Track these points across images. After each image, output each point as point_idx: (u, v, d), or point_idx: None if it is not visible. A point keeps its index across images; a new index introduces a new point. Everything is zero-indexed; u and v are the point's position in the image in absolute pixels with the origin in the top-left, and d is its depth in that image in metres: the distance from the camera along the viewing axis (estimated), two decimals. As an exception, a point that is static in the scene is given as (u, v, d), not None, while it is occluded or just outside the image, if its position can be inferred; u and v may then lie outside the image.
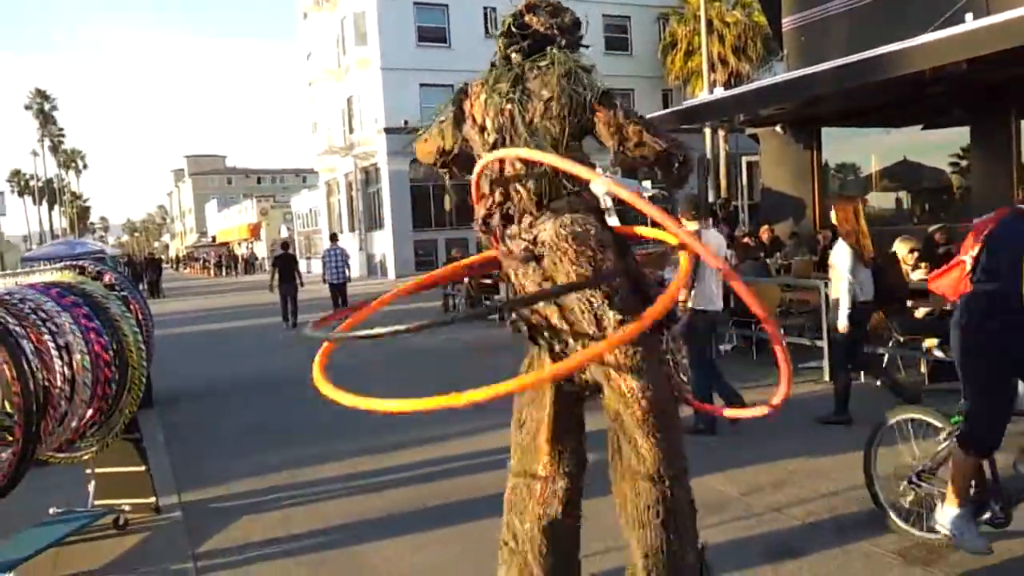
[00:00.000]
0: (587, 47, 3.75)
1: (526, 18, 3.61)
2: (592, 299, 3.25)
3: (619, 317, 3.24)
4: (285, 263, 19.42)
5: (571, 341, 3.35)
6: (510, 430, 3.63)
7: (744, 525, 5.10)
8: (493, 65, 3.69)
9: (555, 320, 3.37)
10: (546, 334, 3.46)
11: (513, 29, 3.61)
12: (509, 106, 3.45)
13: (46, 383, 4.75)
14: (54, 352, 4.86)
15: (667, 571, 3.24)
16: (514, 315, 3.57)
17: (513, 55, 3.61)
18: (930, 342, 8.40)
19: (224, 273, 63.07)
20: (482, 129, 3.55)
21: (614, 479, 3.39)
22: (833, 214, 7.65)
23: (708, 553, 3.58)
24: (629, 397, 3.21)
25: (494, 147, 3.47)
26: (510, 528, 3.53)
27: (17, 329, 4.66)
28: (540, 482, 3.47)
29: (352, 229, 40.46)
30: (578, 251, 3.25)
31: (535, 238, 3.34)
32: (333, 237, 21.35)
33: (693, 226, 7.37)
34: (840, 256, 7.35)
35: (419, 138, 3.84)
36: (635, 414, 3.21)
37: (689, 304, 7.22)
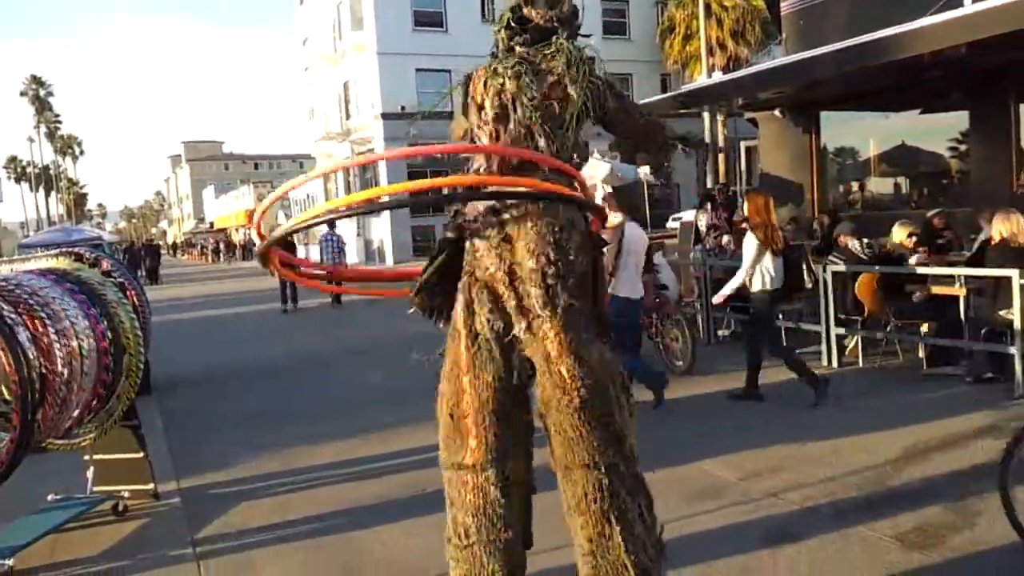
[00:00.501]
0: (588, 36, 3.78)
1: (524, 11, 3.63)
2: (548, 275, 3.23)
3: (571, 302, 3.24)
4: (284, 249, 19.30)
5: (514, 317, 3.28)
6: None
7: (742, 510, 5.11)
8: (494, 56, 3.69)
9: (502, 289, 3.30)
10: (479, 308, 3.33)
11: (512, 24, 3.63)
12: (511, 84, 3.46)
13: (44, 370, 4.74)
14: (52, 338, 4.84)
15: (614, 557, 3.19)
16: (419, 295, 3.53)
17: (517, 48, 3.64)
18: (927, 326, 8.40)
19: (222, 259, 62.97)
20: (480, 108, 3.57)
21: (552, 464, 3.34)
22: (745, 206, 7.86)
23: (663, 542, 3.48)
24: (569, 383, 3.19)
25: (495, 121, 3.48)
26: (454, 523, 3.41)
27: (12, 316, 4.64)
28: (469, 472, 3.33)
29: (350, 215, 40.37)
30: (550, 222, 3.27)
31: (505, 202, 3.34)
32: (330, 224, 21.35)
33: (618, 218, 7.60)
34: (748, 246, 7.76)
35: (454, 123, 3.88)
36: (572, 401, 3.18)
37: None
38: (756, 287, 7.72)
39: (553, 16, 3.63)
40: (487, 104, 3.53)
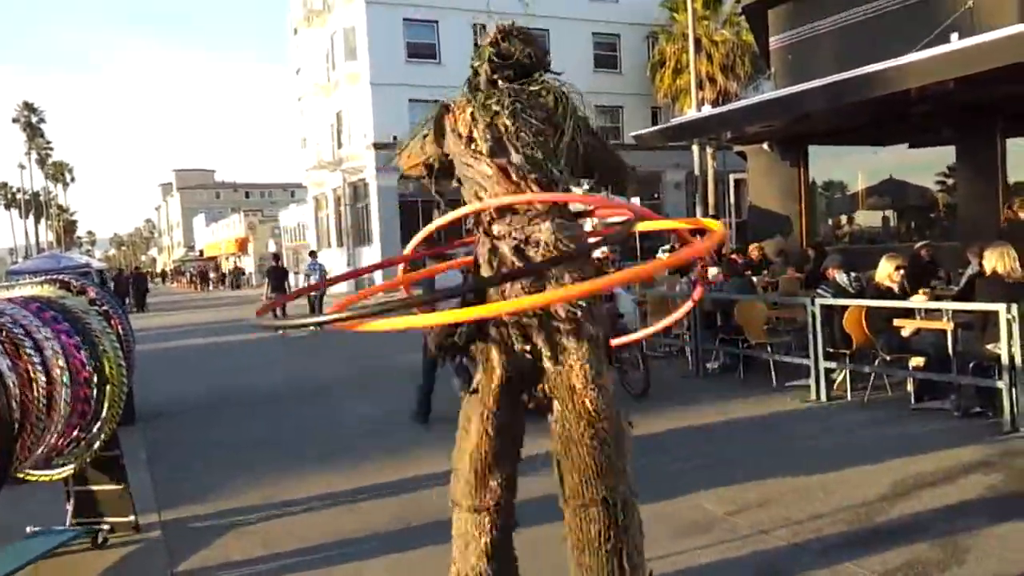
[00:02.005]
0: (559, 74, 3.82)
1: (503, 46, 3.68)
2: (579, 306, 3.28)
3: (596, 331, 3.33)
4: (277, 274, 21.94)
5: (544, 349, 3.34)
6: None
7: (730, 546, 5.05)
8: (475, 87, 3.71)
9: (530, 322, 3.34)
10: (516, 343, 3.39)
11: (495, 59, 3.67)
12: (508, 119, 3.49)
13: (23, 399, 4.67)
14: (33, 367, 4.78)
15: None
16: (439, 347, 3.56)
17: (500, 82, 3.67)
18: (916, 361, 8.39)
19: (211, 287, 62.82)
20: (469, 140, 3.57)
21: (563, 503, 3.39)
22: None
23: None
24: (594, 416, 3.24)
25: (491, 155, 3.48)
26: (466, 565, 3.50)
27: (-7, 345, 4.58)
28: (488, 514, 3.45)
29: (340, 244, 40.39)
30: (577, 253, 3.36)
31: (527, 238, 3.36)
32: (312, 254, 25.36)
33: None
34: None
35: (403, 150, 3.95)
36: (598, 434, 3.24)
37: None
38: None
39: (530, 52, 3.69)
40: (477, 136, 3.53)
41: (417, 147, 3.80)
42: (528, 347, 3.36)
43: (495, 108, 3.51)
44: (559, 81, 3.69)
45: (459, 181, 3.66)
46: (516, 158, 3.45)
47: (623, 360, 9.50)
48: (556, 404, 3.35)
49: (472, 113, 3.56)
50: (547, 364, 3.32)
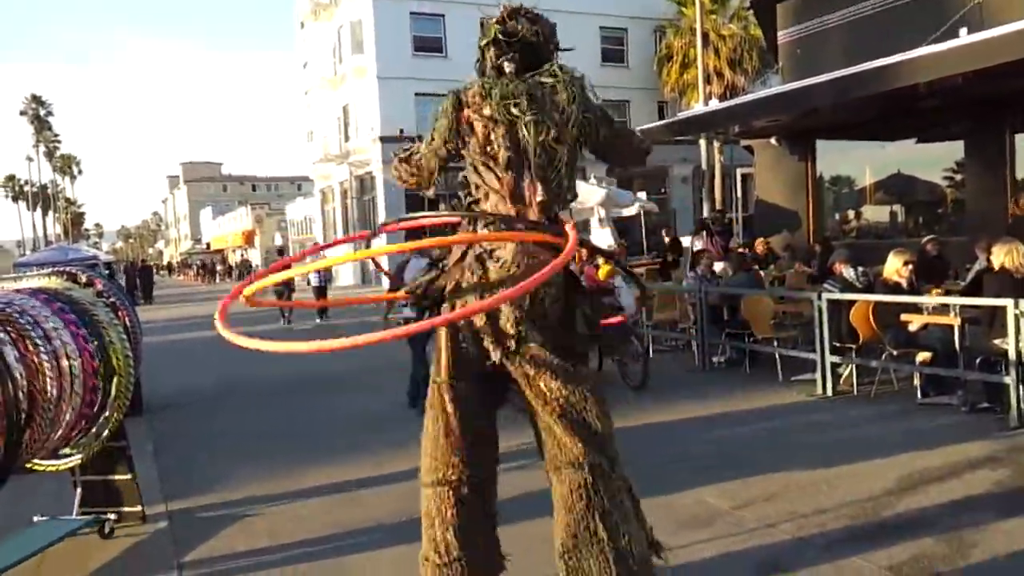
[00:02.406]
0: (568, 50, 3.82)
1: (509, 24, 3.64)
2: (520, 324, 3.42)
3: (540, 342, 3.46)
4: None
5: (492, 348, 3.48)
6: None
7: (735, 540, 5.05)
8: (482, 73, 3.68)
9: (481, 323, 3.47)
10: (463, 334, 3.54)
11: (500, 37, 3.63)
12: (530, 130, 3.48)
13: (32, 390, 4.68)
14: (41, 358, 4.79)
15: (597, 551, 3.32)
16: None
17: (506, 65, 3.62)
18: (923, 356, 8.37)
19: (217, 280, 62.92)
20: (484, 141, 3.56)
21: (546, 468, 3.54)
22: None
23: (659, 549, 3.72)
24: (548, 396, 3.40)
25: (508, 166, 3.51)
26: (433, 541, 3.50)
27: (0, 336, 4.59)
28: (452, 487, 3.48)
29: (347, 237, 40.44)
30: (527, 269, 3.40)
31: (492, 251, 3.50)
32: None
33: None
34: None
35: (402, 156, 3.94)
36: (553, 411, 3.39)
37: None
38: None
39: (537, 30, 3.66)
40: (496, 141, 3.51)
41: (427, 152, 3.77)
42: (472, 342, 3.52)
43: (515, 112, 3.48)
44: (569, 73, 3.61)
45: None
46: (528, 177, 3.53)
47: (623, 352, 9.57)
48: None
49: (491, 115, 3.51)
50: (497, 359, 3.46)
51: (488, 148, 3.54)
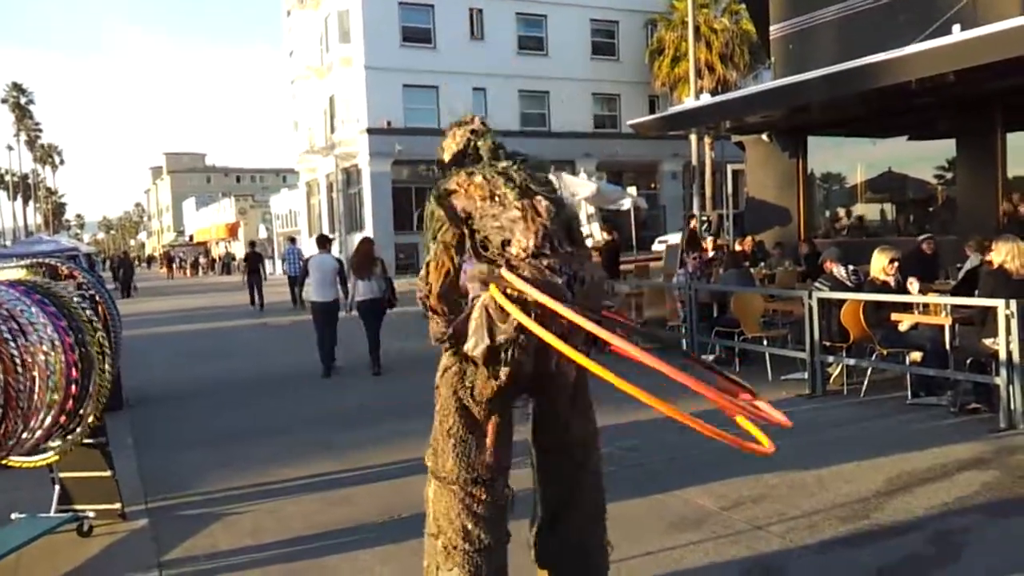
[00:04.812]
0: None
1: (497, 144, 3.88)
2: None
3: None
4: (253, 259, 26.07)
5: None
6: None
7: (724, 542, 4.98)
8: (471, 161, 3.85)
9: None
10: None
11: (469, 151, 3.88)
12: (522, 175, 3.65)
13: (6, 385, 4.57)
14: (17, 351, 4.67)
15: (596, 528, 3.85)
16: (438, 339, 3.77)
17: (501, 164, 3.78)
18: (914, 356, 8.33)
19: (200, 273, 62.52)
20: (492, 196, 3.60)
21: (542, 452, 3.88)
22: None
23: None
24: (577, 383, 3.76)
25: (521, 196, 3.58)
26: (462, 531, 3.61)
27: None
28: (485, 484, 3.63)
29: (332, 230, 40.21)
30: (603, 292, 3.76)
31: (575, 274, 3.55)
32: (291, 239, 27.73)
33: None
34: None
35: (426, 272, 3.77)
36: (571, 397, 3.77)
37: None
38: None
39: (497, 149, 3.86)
40: (500, 187, 3.59)
41: (440, 252, 3.69)
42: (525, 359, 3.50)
43: (504, 170, 3.66)
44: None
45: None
46: (541, 199, 3.62)
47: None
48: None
49: (484, 176, 3.64)
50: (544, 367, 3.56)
51: (495, 197, 3.58)
